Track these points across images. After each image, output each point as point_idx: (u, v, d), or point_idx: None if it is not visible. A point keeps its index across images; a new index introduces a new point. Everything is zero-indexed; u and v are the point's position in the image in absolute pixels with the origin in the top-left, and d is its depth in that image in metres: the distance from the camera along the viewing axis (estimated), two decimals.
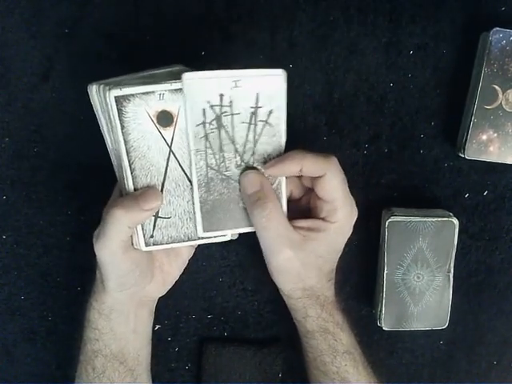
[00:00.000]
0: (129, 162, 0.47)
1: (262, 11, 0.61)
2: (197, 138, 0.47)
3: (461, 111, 0.62)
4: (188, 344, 0.65)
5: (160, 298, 0.58)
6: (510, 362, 0.67)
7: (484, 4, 0.61)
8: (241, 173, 0.50)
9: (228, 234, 0.52)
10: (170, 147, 0.48)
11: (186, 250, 0.56)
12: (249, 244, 0.64)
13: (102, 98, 0.47)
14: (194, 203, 0.50)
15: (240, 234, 0.53)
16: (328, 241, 0.51)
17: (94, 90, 0.48)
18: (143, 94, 0.46)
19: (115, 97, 0.45)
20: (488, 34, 0.58)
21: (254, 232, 0.51)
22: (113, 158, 0.51)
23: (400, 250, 0.60)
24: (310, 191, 0.53)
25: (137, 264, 0.51)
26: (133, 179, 0.48)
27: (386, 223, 0.60)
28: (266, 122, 0.49)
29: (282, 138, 0.50)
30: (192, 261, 0.62)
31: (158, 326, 0.64)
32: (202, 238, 0.51)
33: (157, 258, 0.54)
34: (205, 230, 0.51)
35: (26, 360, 0.64)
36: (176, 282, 0.58)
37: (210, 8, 0.60)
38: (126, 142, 0.47)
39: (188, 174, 0.49)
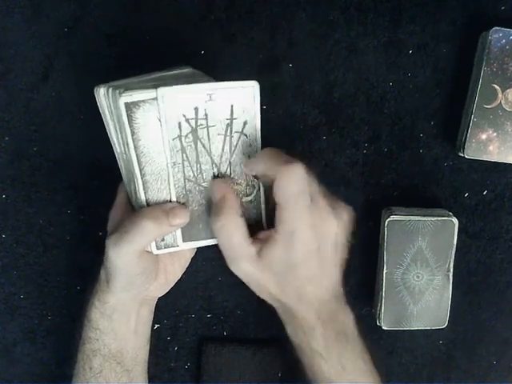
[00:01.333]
0: (139, 167, 0.47)
1: (262, 11, 0.61)
2: (173, 152, 0.47)
3: (460, 111, 0.62)
4: (187, 343, 0.65)
5: (160, 297, 0.58)
6: (509, 362, 0.67)
7: (484, 4, 0.61)
8: None
9: (209, 243, 0.52)
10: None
11: (188, 250, 0.56)
12: None
13: (110, 102, 0.47)
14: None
15: None
16: (281, 252, 0.46)
17: (101, 93, 0.48)
18: (153, 99, 0.45)
19: (125, 103, 0.45)
20: (488, 34, 0.58)
21: None
22: (120, 162, 0.51)
23: (399, 250, 0.60)
24: None
25: (147, 267, 0.51)
26: (143, 184, 0.48)
27: (386, 222, 0.60)
28: (242, 132, 0.49)
29: (258, 148, 0.50)
30: (192, 260, 0.62)
31: (157, 326, 0.64)
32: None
33: (161, 259, 0.54)
34: (184, 241, 0.51)
35: (25, 359, 0.64)
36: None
37: (210, 8, 0.60)
38: (136, 148, 0.47)
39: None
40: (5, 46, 0.60)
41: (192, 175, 0.49)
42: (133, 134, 0.46)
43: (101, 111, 0.49)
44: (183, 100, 0.46)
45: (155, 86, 0.45)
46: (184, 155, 0.48)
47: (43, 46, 0.60)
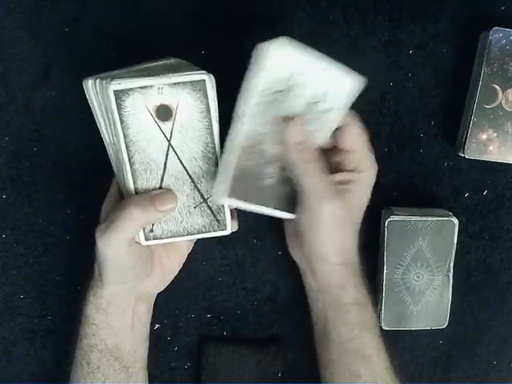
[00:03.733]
0: (128, 156, 0.47)
1: (262, 11, 0.61)
2: (263, 95, 0.47)
3: (461, 110, 0.62)
4: (187, 343, 0.65)
5: (160, 297, 0.58)
6: (509, 362, 0.67)
7: (484, 4, 0.61)
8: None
9: (232, 226, 0.52)
10: (169, 141, 0.48)
11: (184, 245, 0.56)
12: (249, 244, 0.64)
13: (98, 92, 0.47)
14: (227, 164, 0.48)
15: (240, 230, 0.53)
16: (359, 192, 0.53)
17: (89, 85, 0.48)
18: (142, 87, 0.46)
19: (114, 91, 0.45)
20: (488, 34, 0.58)
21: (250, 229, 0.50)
22: (110, 151, 0.51)
23: (400, 250, 0.60)
24: (328, 152, 0.54)
25: (138, 258, 0.51)
26: (132, 173, 0.48)
27: (386, 223, 0.60)
28: (319, 115, 0.50)
29: (323, 135, 0.52)
30: (192, 260, 0.62)
31: (157, 325, 0.64)
32: (218, 210, 0.51)
33: (156, 253, 0.54)
34: (230, 196, 0.48)
35: (25, 359, 0.64)
36: (176, 281, 0.58)
37: (210, 8, 0.60)
38: (125, 137, 0.47)
39: (187, 169, 0.49)
40: (5, 46, 0.60)
41: (263, 130, 0.49)
42: (121, 121, 0.46)
43: (90, 104, 0.49)
44: (296, 60, 0.47)
45: (143, 76, 0.46)
46: (271, 107, 0.48)
47: (43, 46, 0.60)
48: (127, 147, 0.47)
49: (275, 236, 0.63)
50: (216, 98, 0.49)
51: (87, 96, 0.49)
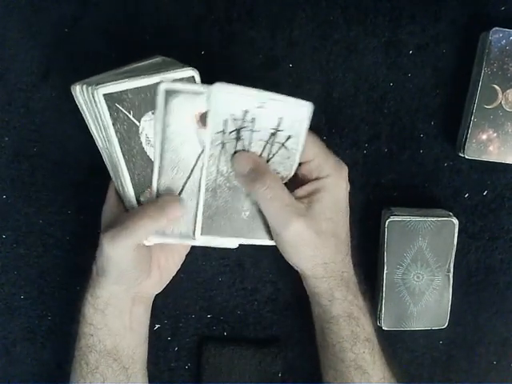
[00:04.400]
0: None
1: (262, 11, 0.61)
2: (213, 145, 0.48)
3: (461, 111, 0.62)
4: (188, 344, 0.65)
5: (160, 297, 0.58)
6: (509, 362, 0.67)
7: (484, 4, 0.61)
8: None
9: (225, 243, 0.52)
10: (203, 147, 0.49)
11: (182, 246, 0.56)
12: (248, 244, 0.64)
13: (86, 97, 0.47)
14: (197, 205, 0.50)
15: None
16: (330, 199, 0.51)
17: (77, 91, 0.48)
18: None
19: (104, 95, 0.46)
20: (488, 34, 0.58)
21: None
22: (104, 156, 0.51)
23: (400, 250, 0.60)
24: None
25: (141, 261, 0.51)
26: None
27: (386, 223, 0.60)
28: (283, 144, 0.50)
29: (294, 162, 0.51)
30: (191, 260, 0.62)
31: (157, 326, 0.64)
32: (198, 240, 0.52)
33: (154, 254, 0.54)
34: (203, 234, 0.51)
35: (25, 359, 0.64)
36: (176, 281, 0.58)
37: (210, 8, 0.60)
38: (162, 133, 0.48)
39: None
40: (5, 46, 0.60)
41: (225, 170, 0.49)
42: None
43: (79, 108, 0.50)
44: (235, 100, 0.46)
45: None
46: (223, 149, 0.48)
47: (43, 46, 0.60)
48: (162, 144, 0.48)
49: None
50: None
51: (76, 102, 0.49)
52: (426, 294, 0.61)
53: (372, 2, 0.61)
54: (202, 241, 0.51)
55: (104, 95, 0.45)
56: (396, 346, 0.66)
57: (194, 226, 0.51)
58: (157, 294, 0.58)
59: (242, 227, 0.52)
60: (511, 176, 0.63)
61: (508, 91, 0.59)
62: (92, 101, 0.47)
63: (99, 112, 0.46)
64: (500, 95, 0.59)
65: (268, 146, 0.49)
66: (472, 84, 0.60)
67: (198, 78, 0.49)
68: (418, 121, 0.63)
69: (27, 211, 0.62)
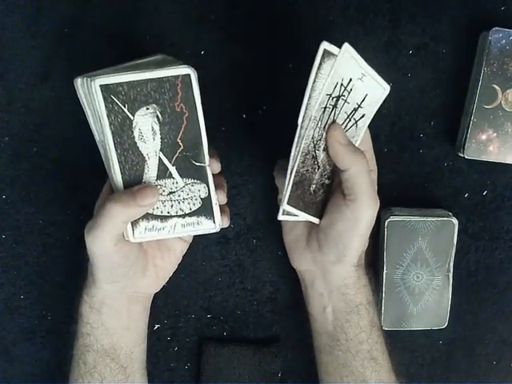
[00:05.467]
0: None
1: (262, 11, 0.61)
2: (319, 107, 0.47)
3: (460, 111, 0.62)
4: (187, 344, 0.65)
5: (159, 297, 0.58)
6: (509, 362, 0.67)
7: (484, 4, 0.61)
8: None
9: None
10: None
11: (178, 245, 0.56)
12: (248, 244, 0.64)
13: (86, 89, 0.47)
14: (288, 171, 0.49)
15: (239, 230, 0.53)
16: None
17: (79, 83, 0.48)
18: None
19: (100, 86, 0.46)
20: (488, 34, 0.58)
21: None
22: (100, 149, 0.51)
23: (399, 250, 0.60)
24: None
25: (127, 257, 0.51)
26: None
27: (386, 223, 0.60)
28: (356, 122, 0.50)
29: (356, 143, 0.52)
30: (191, 260, 0.62)
31: (157, 326, 0.64)
32: (285, 212, 0.51)
33: (149, 252, 0.54)
34: (288, 203, 0.50)
35: (25, 359, 0.64)
36: (175, 281, 0.58)
37: (210, 8, 0.60)
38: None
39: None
40: (5, 46, 0.60)
41: (317, 137, 0.49)
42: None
43: (80, 102, 0.50)
44: (351, 66, 0.46)
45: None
46: (322, 115, 0.48)
47: (43, 46, 0.60)
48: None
49: (275, 236, 0.63)
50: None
51: (78, 95, 0.49)
52: (425, 293, 0.61)
53: (372, 2, 0.61)
54: (286, 213, 0.51)
55: (100, 86, 0.46)
56: (396, 346, 0.66)
57: (283, 194, 0.49)
58: (157, 294, 0.58)
59: (307, 201, 0.51)
60: (511, 176, 0.63)
61: (508, 91, 0.59)
62: (90, 92, 0.47)
63: (95, 103, 0.46)
64: (500, 95, 0.59)
65: (347, 121, 0.50)
66: (472, 84, 0.61)
67: (194, 77, 0.48)
68: (417, 121, 0.63)
69: (27, 211, 0.62)
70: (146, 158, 0.49)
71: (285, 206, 0.50)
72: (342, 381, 0.54)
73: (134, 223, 0.50)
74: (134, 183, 0.49)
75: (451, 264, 0.61)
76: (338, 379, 0.54)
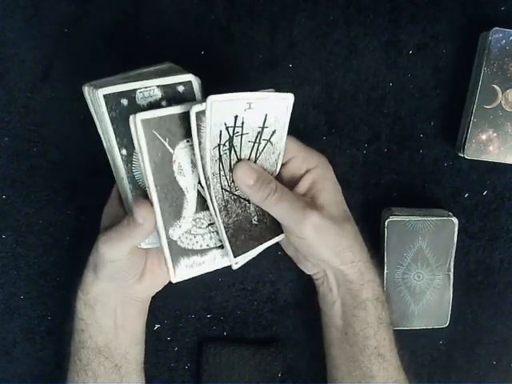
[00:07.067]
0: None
1: (262, 11, 0.61)
2: (213, 161, 0.47)
3: (460, 111, 0.62)
4: (187, 344, 0.65)
5: (160, 297, 0.58)
6: (509, 362, 0.67)
7: (484, 4, 0.61)
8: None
9: (253, 254, 0.52)
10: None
11: None
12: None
13: (92, 98, 0.48)
14: (219, 231, 0.49)
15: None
16: (329, 184, 0.53)
17: (86, 92, 0.48)
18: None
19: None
20: (488, 34, 0.58)
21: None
22: (109, 157, 0.51)
23: (400, 250, 0.60)
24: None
25: (134, 263, 0.51)
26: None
27: (386, 223, 0.60)
28: (269, 140, 0.50)
29: (279, 157, 0.51)
30: None
31: (157, 326, 0.64)
32: (239, 262, 0.51)
33: (149, 260, 0.55)
34: (235, 256, 0.50)
35: (25, 360, 0.64)
36: None
37: (210, 8, 0.60)
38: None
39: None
40: (5, 46, 0.60)
41: (227, 184, 0.49)
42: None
43: (89, 109, 0.50)
44: (227, 108, 0.45)
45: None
46: (220, 164, 0.48)
47: (43, 46, 0.60)
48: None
49: None
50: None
51: (87, 102, 0.49)
52: (426, 293, 0.61)
53: (372, 2, 0.61)
54: (240, 263, 0.51)
55: (142, 121, 0.45)
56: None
57: (225, 253, 0.50)
58: (157, 294, 0.58)
59: (258, 233, 0.52)
60: (511, 176, 0.63)
61: (508, 91, 0.59)
62: (95, 101, 0.47)
63: (136, 139, 0.46)
64: (500, 95, 0.59)
65: (255, 145, 0.49)
66: (472, 84, 0.61)
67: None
68: (417, 121, 0.63)
69: (27, 211, 0.62)
70: (185, 192, 0.48)
71: (235, 260, 0.50)
72: (349, 375, 0.54)
73: (175, 262, 0.49)
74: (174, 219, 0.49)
75: (452, 263, 0.61)
76: (346, 374, 0.54)
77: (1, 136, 0.61)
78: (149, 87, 0.47)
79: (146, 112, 0.45)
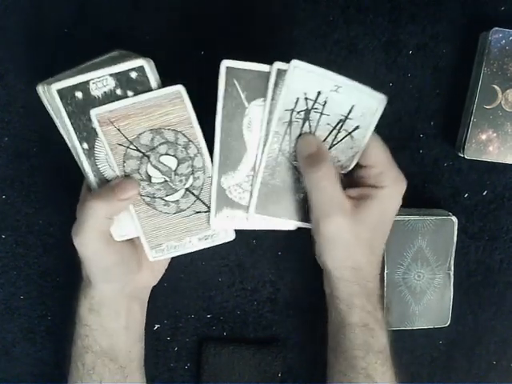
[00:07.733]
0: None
1: (262, 11, 0.61)
2: (280, 122, 0.48)
3: (460, 111, 0.62)
4: (187, 344, 0.65)
5: (159, 297, 0.58)
6: (509, 362, 0.67)
7: (484, 4, 0.61)
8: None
9: (280, 224, 0.52)
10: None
11: None
12: (248, 244, 0.64)
13: (47, 96, 0.48)
14: (254, 183, 0.50)
15: (239, 231, 0.53)
16: (379, 209, 0.50)
17: (40, 91, 0.48)
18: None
19: (57, 90, 0.46)
20: (487, 34, 0.58)
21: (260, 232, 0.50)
22: (74, 153, 0.52)
23: (400, 250, 0.60)
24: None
25: (119, 256, 0.51)
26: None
27: None
28: (350, 133, 0.49)
29: (357, 154, 0.50)
30: (191, 260, 0.62)
31: (157, 326, 0.64)
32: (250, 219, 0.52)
33: (140, 248, 0.54)
34: (256, 212, 0.51)
35: (25, 360, 0.64)
36: (175, 281, 0.58)
37: (210, 8, 0.60)
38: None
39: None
40: (5, 46, 0.60)
41: (287, 150, 0.49)
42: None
43: (47, 109, 0.49)
44: (311, 80, 0.46)
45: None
46: (289, 129, 0.48)
47: (43, 46, 0.60)
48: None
49: (275, 236, 0.63)
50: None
51: (44, 102, 0.49)
52: (427, 292, 0.61)
53: (372, 1, 0.61)
54: (255, 219, 0.51)
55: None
56: (396, 346, 0.66)
57: (248, 204, 0.50)
58: (157, 294, 0.58)
59: (295, 210, 0.51)
60: (511, 176, 0.63)
61: (508, 91, 0.59)
62: (50, 98, 0.47)
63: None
64: (500, 95, 0.59)
65: (334, 131, 0.49)
66: (472, 84, 0.61)
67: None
68: (417, 121, 0.63)
69: (27, 211, 0.62)
70: (247, 148, 0.50)
71: (251, 214, 0.51)
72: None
73: (218, 208, 0.51)
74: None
75: (452, 262, 0.61)
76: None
77: (1, 136, 0.61)
78: (101, 77, 0.47)
79: (233, 61, 0.47)
